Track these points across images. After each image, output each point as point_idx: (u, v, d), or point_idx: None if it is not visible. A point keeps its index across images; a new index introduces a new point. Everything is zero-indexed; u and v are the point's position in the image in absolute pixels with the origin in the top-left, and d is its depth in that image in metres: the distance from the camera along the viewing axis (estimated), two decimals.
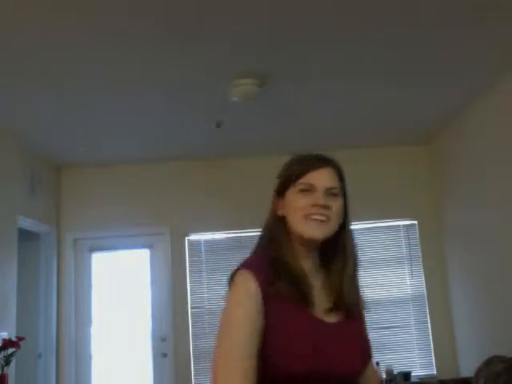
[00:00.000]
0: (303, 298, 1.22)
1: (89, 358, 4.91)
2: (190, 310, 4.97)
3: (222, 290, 5.05)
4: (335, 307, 1.27)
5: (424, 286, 5.00)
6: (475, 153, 4.18)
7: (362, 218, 4.93)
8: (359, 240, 5.42)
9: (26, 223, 4.35)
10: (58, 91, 3.46)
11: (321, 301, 1.26)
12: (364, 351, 1.30)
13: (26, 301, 4.48)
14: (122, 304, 5.00)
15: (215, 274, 5.05)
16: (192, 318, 4.95)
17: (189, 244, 5.10)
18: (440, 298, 4.91)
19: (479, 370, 3.57)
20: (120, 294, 5.02)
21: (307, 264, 1.29)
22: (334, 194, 1.30)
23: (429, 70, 3.50)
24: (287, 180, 1.35)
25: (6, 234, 4.01)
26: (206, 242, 5.12)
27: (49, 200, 4.92)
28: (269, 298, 1.19)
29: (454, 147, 4.62)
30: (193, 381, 4.83)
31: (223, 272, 5.05)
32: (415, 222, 5.09)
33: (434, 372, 4.84)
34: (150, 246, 5.12)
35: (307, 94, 3.79)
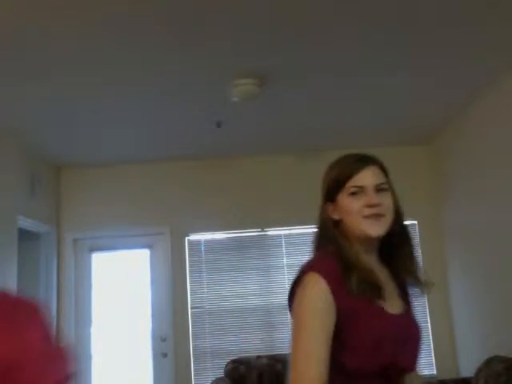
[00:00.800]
0: (374, 292, 1.28)
1: (89, 358, 4.91)
2: (189, 310, 4.97)
3: (222, 289, 5.07)
4: (401, 299, 1.37)
5: None
6: (475, 153, 4.18)
7: None
8: None
9: (26, 223, 4.35)
10: (58, 91, 3.46)
11: (387, 294, 1.32)
12: (420, 342, 1.36)
13: None
14: (121, 304, 5.00)
15: (215, 274, 5.05)
16: (192, 318, 4.95)
17: (189, 244, 5.10)
18: (440, 297, 4.91)
19: (479, 370, 3.57)
20: (120, 293, 5.02)
21: (370, 262, 1.35)
22: (383, 190, 1.35)
23: (429, 70, 3.50)
24: (335, 185, 1.38)
25: (6, 234, 4.01)
26: (206, 242, 5.12)
27: (49, 200, 4.92)
28: (340, 297, 1.25)
29: (454, 147, 4.62)
30: (193, 381, 4.83)
31: (223, 272, 5.06)
32: (415, 222, 5.09)
33: (434, 372, 4.84)
34: (150, 246, 5.12)
35: (307, 94, 3.79)
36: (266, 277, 5.05)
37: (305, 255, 5.17)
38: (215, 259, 5.08)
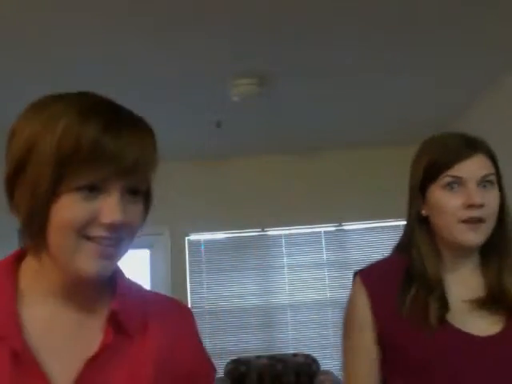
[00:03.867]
0: (429, 318, 1.02)
1: None
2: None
3: (222, 290, 5.07)
4: (493, 314, 1.05)
5: None
6: None
7: (361, 218, 4.94)
8: (359, 240, 5.39)
9: None
10: (57, 91, 3.46)
11: (469, 311, 1.06)
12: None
13: None
14: None
15: (215, 274, 5.05)
16: None
17: (189, 244, 5.10)
18: None
19: None
20: None
21: (457, 271, 1.09)
22: (489, 183, 1.06)
23: (429, 70, 3.50)
24: (429, 173, 1.11)
25: (5, 234, 4.01)
26: (206, 242, 5.12)
27: None
28: (383, 313, 1.07)
29: None
30: None
31: (223, 272, 5.06)
32: None
33: None
34: (150, 246, 5.12)
35: (307, 94, 3.79)
36: (266, 277, 5.05)
37: (305, 255, 5.17)
38: (215, 259, 5.08)
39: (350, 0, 2.61)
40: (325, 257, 5.02)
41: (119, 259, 0.77)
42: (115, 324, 0.77)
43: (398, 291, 1.06)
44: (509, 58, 3.34)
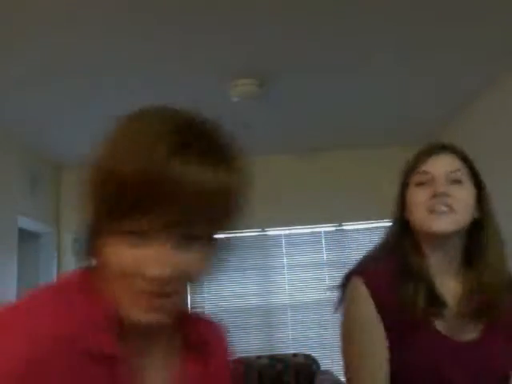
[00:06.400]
0: (431, 310, 1.06)
1: None
2: (189, 310, 4.96)
3: (222, 290, 5.06)
4: (472, 317, 1.09)
5: None
6: (475, 153, 4.16)
7: (361, 218, 4.93)
8: (359, 240, 5.37)
9: (26, 223, 4.35)
10: (58, 91, 3.46)
11: (455, 311, 1.09)
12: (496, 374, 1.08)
13: None
14: None
15: (215, 274, 5.04)
16: None
17: None
18: None
19: None
20: None
21: (440, 268, 1.13)
22: (457, 181, 1.13)
23: (429, 70, 3.50)
24: (405, 176, 1.19)
25: (6, 234, 4.01)
26: None
27: (49, 200, 4.92)
28: (387, 311, 1.07)
29: None
30: None
31: (223, 272, 5.05)
32: None
33: None
34: None
35: (307, 94, 3.79)
36: (266, 277, 5.05)
37: (305, 255, 5.16)
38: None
39: (350, 0, 2.61)
40: (325, 257, 5.02)
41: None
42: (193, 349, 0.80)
43: (397, 291, 1.08)
44: (509, 57, 3.33)
